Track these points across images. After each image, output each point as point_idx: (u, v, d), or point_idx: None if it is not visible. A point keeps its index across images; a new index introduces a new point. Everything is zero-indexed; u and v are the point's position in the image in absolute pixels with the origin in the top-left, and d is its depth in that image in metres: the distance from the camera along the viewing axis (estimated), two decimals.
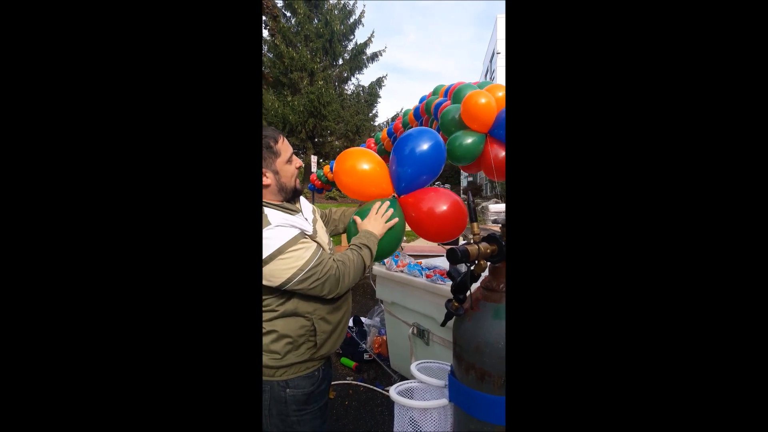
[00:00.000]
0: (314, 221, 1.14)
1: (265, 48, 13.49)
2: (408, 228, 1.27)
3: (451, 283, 0.80)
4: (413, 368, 0.91)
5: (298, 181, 1.10)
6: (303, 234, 1.00)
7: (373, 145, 4.60)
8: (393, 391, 0.85)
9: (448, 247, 0.74)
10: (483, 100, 2.01)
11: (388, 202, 1.18)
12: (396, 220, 1.18)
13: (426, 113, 3.10)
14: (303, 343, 1.03)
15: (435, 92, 3.02)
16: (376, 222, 1.15)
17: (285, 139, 1.06)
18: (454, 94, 2.41)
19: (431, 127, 3.05)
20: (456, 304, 0.79)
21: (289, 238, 0.94)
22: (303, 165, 1.12)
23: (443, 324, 0.85)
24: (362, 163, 1.24)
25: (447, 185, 18.88)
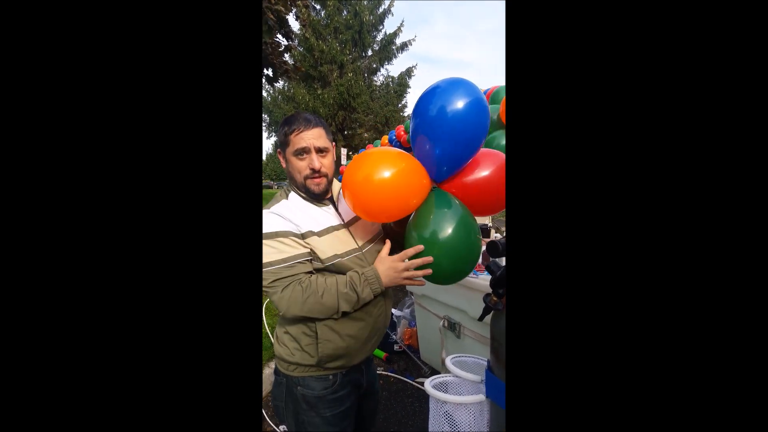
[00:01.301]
0: (355, 217, 1.03)
1: (295, 41, 13.67)
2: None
3: (487, 277, 0.78)
4: (448, 362, 0.90)
5: (312, 182, 0.96)
6: (289, 233, 0.90)
7: (402, 132, 4.49)
8: (428, 385, 0.85)
9: (488, 240, 0.72)
10: None
11: (426, 257, 0.87)
12: (423, 282, 0.92)
13: None
14: (307, 347, 0.95)
15: None
16: (390, 268, 0.92)
17: (306, 133, 0.94)
18: (492, 96, 2.37)
19: None
20: (495, 299, 0.77)
21: (270, 230, 0.89)
22: (320, 167, 0.96)
23: (481, 318, 0.83)
24: (382, 172, 0.82)
25: None
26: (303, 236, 0.93)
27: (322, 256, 0.95)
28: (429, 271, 0.89)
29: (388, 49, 14.40)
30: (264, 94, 13.80)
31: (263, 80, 3.96)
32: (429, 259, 0.87)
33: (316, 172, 0.96)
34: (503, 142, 2.00)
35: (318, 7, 13.68)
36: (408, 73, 14.38)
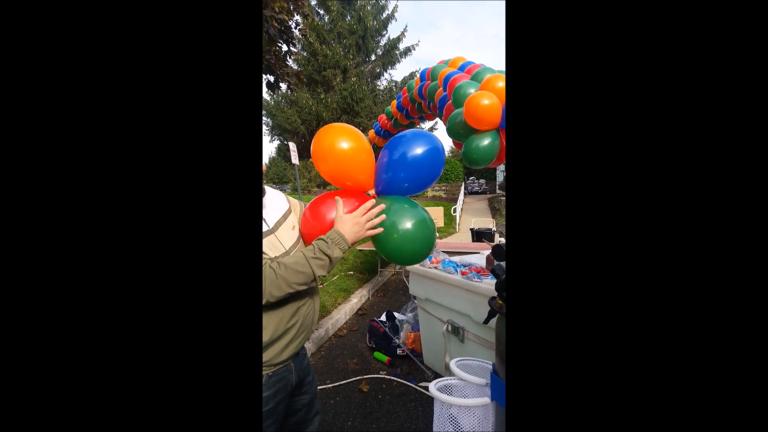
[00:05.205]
0: (278, 223, 1.05)
1: (299, 47, 13.78)
2: (440, 225, 1.15)
3: (490, 281, 0.79)
4: (453, 365, 0.91)
5: None
6: None
7: (386, 120, 4.42)
8: (433, 387, 0.85)
9: (493, 244, 0.73)
10: (486, 102, 1.90)
11: (380, 204, 0.99)
12: (380, 230, 0.96)
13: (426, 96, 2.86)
14: None
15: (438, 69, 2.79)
16: (354, 224, 0.94)
17: None
18: (473, 75, 2.31)
19: (435, 98, 2.74)
20: (500, 302, 0.77)
21: None
22: None
23: (486, 322, 0.83)
24: (345, 142, 1.00)
25: (482, 180, 18.34)
26: None
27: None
28: (384, 216, 0.95)
29: (392, 54, 14.49)
30: (267, 97, 13.87)
31: (265, 86, 3.99)
32: (382, 206, 0.95)
33: None
34: (483, 143, 2.01)
35: (322, 12, 13.78)
36: (412, 77, 14.45)
